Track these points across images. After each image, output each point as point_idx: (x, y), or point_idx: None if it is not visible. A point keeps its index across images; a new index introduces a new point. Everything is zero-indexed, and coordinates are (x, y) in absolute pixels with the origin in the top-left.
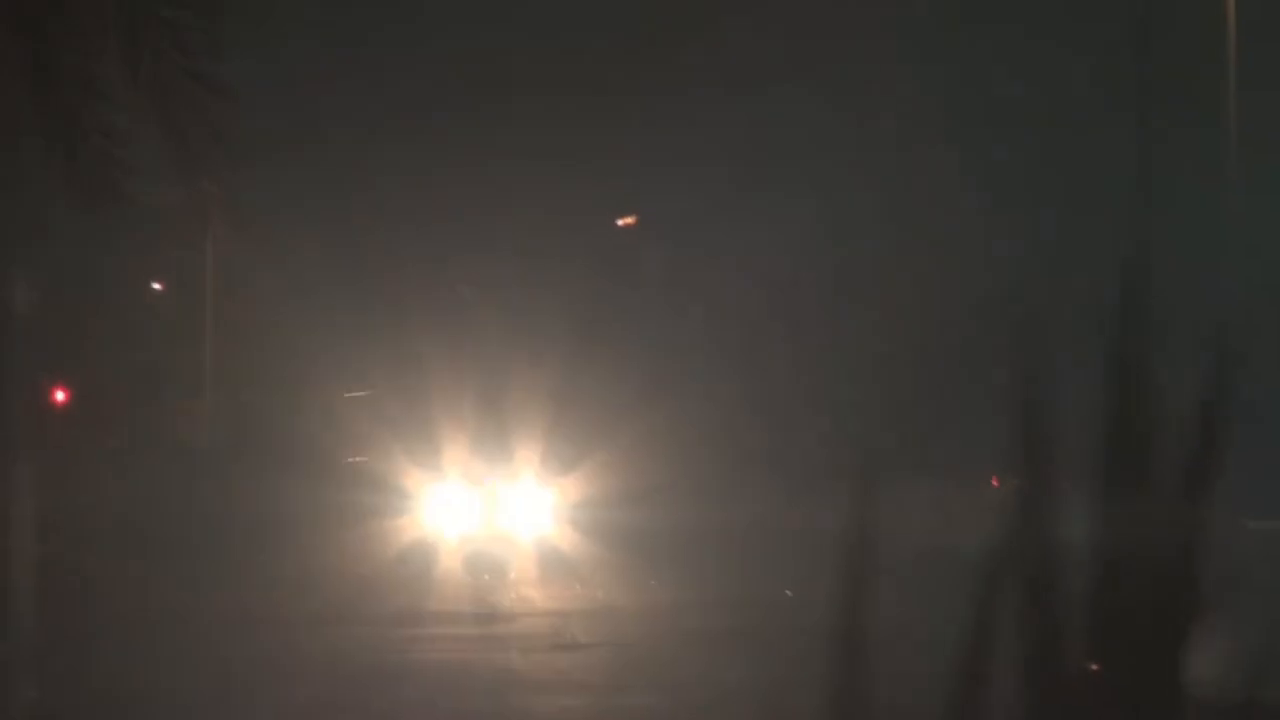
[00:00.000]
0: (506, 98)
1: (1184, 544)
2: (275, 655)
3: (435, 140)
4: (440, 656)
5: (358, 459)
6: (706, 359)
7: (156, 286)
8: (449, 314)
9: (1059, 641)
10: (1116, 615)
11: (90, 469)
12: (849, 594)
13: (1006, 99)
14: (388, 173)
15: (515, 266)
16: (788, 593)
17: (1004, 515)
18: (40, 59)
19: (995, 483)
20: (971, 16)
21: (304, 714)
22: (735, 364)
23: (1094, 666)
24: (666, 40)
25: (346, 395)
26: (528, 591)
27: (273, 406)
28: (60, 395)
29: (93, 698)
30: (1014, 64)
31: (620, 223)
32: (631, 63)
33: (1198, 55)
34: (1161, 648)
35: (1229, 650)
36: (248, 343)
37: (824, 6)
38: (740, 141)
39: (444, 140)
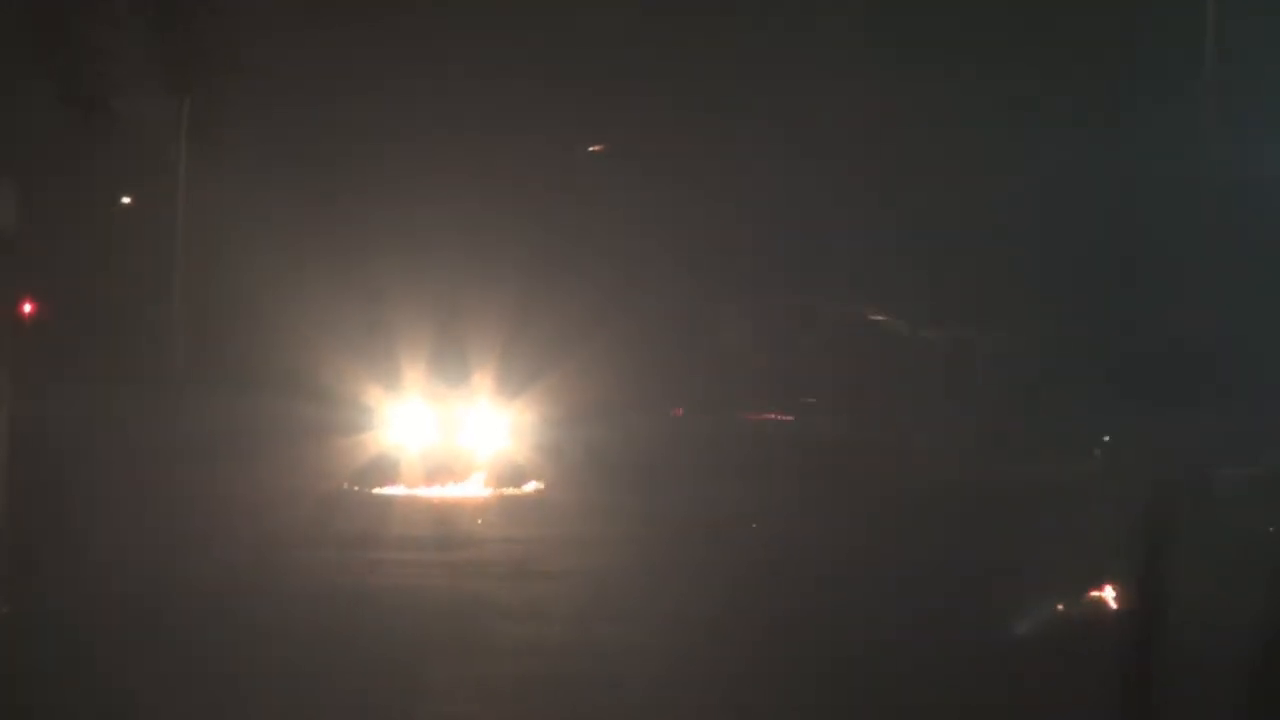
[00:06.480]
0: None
1: None
2: (236, 577)
3: (406, 60)
4: (405, 581)
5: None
6: (662, 277)
7: (126, 200)
8: (410, 237)
9: None
10: None
11: (60, 383)
12: None
13: None
14: (357, 94)
15: (477, 186)
16: (753, 525)
17: None
18: None
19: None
20: None
21: (266, 638)
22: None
23: None
24: None
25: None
26: (491, 516)
27: (239, 326)
28: (28, 308)
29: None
30: None
31: (591, 150)
32: None
33: None
34: None
35: None
36: (216, 259)
37: None
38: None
39: (414, 60)
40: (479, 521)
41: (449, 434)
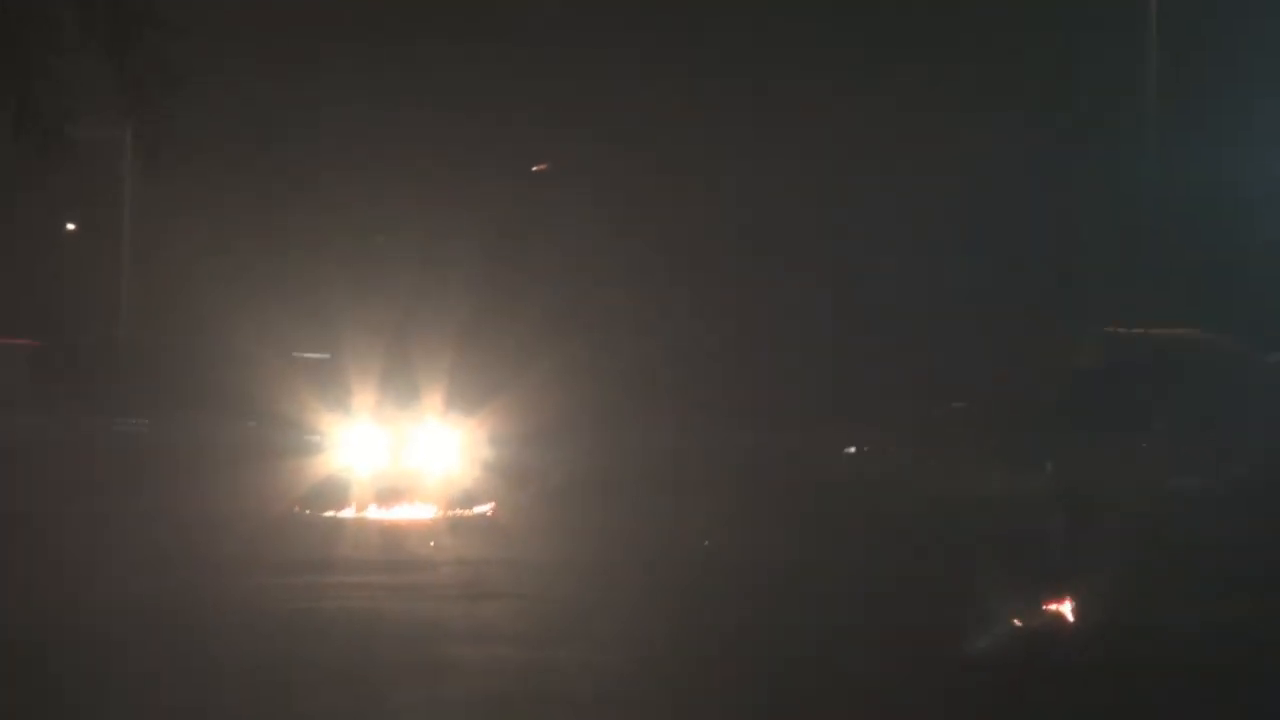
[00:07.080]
0: (423, 42)
1: None
2: (181, 600)
3: (353, 84)
4: (356, 604)
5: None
6: (614, 298)
7: (70, 227)
8: (360, 259)
9: None
10: None
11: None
12: None
13: None
14: (307, 117)
15: (426, 210)
16: (705, 543)
17: None
18: None
19: None
20: None
21: (213, 663)
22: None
23: None
24: None
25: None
26: (442, 539)
27: (187, 347)
28: None
29: None
30: None
31: (534, 169)
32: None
33: None
34: None
35: None
36: (163, 281)
37: None
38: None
39: (361, 84)
40: (430, 544)
41: (399, 456)
